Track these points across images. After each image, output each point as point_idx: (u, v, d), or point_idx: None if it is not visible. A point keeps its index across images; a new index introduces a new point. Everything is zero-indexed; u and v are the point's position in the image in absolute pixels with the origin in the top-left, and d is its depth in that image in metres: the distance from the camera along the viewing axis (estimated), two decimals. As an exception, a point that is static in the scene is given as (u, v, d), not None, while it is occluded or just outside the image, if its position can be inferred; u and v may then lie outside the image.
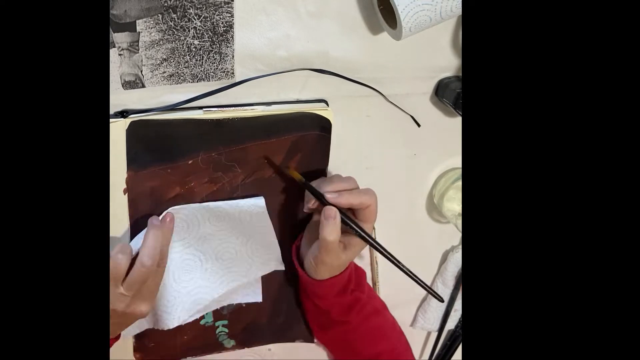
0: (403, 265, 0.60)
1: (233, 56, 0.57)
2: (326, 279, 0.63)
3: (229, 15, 0.55)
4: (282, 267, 0.66)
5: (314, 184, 0.60)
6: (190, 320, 0.64)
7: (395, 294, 0.78)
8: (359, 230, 0.59)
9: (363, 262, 0.75)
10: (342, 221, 0.58)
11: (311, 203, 0.59)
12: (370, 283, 0.76)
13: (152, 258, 0.55)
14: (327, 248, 0.59)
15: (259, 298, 0.68)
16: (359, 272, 0.68)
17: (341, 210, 0.58)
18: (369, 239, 0.60)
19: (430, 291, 0.61)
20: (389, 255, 0.60)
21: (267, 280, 0.69)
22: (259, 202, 0.62)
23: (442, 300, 0.62)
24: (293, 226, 0.66)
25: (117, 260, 0.54)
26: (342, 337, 0.69)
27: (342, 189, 0.59)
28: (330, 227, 0.57)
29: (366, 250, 0.74)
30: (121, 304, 0.55)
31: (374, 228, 0.72)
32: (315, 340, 0.74)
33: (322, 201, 0.58)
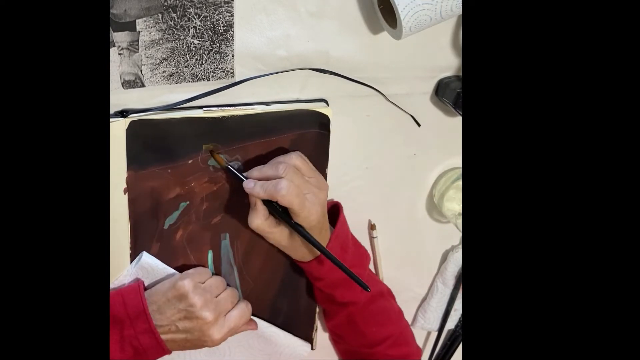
0: (324, 249, 0.61)
1: (233, 56, 0.57)
2: (313, 259, 0.63)
3: (229, 14, 0.55)
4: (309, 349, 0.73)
5: (252, 170, 0.60)
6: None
7: (395, 293, 0.78)
8: (284, 217, 0.59)
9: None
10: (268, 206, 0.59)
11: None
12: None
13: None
14: (260, 233, 0.61)
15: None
16: (358, 252, 0.68)
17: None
18: (295, 226, 0.59)
19: (356, 278, 0.60)
20: (311, 238, 0.60)
21: (267, 281, 0.69)
22: (304, 348, 0.71)
23: (367, 289, 0.61)
24: None
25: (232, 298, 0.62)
26: (349, 320, 0.68)
27: (262, 177, 0.59)
28: (251, 215, 0.60)
29: (367, 250, 0.74)
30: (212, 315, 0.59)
31: (374, 232, 0.72)
32: (314, 348, 0.74)
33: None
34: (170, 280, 0.60)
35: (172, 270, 0.62)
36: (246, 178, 0.59)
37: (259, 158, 0.62)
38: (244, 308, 0.63)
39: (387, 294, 0.71)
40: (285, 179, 0.57)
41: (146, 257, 0.61)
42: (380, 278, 0.76)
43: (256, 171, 0.59)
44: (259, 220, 0.59)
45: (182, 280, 0.59)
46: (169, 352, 0.60)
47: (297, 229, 0.59)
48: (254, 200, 0.59)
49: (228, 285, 0.65)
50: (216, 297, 0.61)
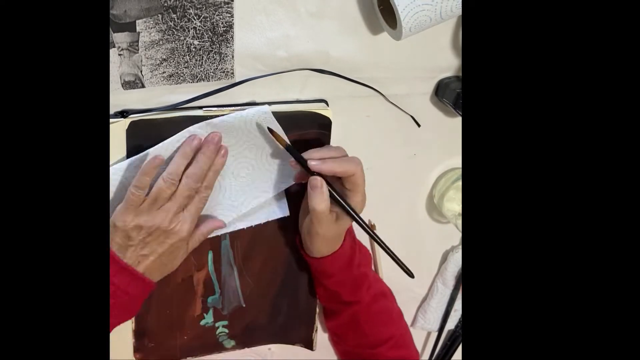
0: (382, 242, 0.60)
1: (233, 56, 0.57)
2: (328, 255, 0.62)
3: (229, 15, 0.55)
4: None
5: (305, 153, 0.58)
6: (213, 235, 0.62)
7: (395, 294, 0.78)
8: (342, 202, 0.58)
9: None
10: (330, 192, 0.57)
11: (294, 166, 0.58)
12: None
13: (199, 180, 0.55)
14: (318, 218, 0.58)
15: (286, 212, 0.65)
16: (363, 251, 0.68)
17: (328, 181, 0.57)
18: (352, 212, 0.58)
19: (400, 264, 0.61)
20: (370, 231, 0.59)
21: (267, 281, 0.69)
22: (263, 108, 0.57)
23: (412, 276, 0.61)
24: (296, 220, 0.66)
25: (193, 184, 0.55)
26: (352, 320, 0.68)
27: (326, 157, 0.57)
28: (318, 196, 0.56)
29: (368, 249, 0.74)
30: (165, 219, 0.54)
31: (373, 225, 0.72)
32: (314, 349, 0.74)
33: (306, 168, 0.57)
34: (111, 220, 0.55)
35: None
36: (306, 159, 0.57)
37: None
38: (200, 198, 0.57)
39: (389, 295, 0.71)
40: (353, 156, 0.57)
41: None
42: (380, 277, 0.76)
43: (315, 152, 0.57)
44: (326, 203, 0.57)
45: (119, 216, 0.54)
46: (152, 283, 0.57)
47: (353, 213, 0.58)
48: (318, 182, 0.56)
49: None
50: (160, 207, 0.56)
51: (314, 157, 0.57)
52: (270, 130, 0.58)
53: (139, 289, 0.56)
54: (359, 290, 0.65)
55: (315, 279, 0.68)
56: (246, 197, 0.62)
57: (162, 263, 0.57)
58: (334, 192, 0.58)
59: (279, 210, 0.65)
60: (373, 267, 0.75)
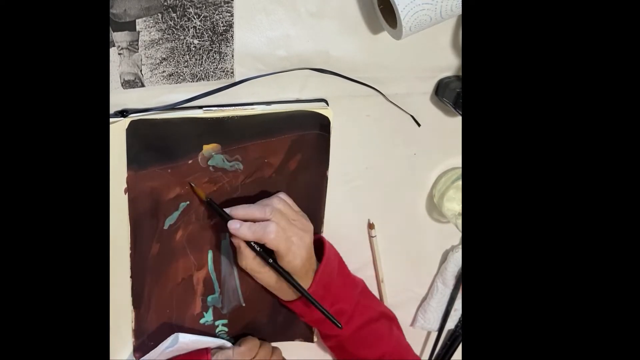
0: (305, 292, 0.61)
1: (233, 56, 0.57)
2: (290, 302, 0.64)
3: (229, 14, 0.55)
4: None
5: (236, 208, 0.59)
6: None
7: (396, 293, 0.78)
8: (266, 260, 0.60)
9: (365, 261, 0.75)
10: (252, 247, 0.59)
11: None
12: (375, 282, 0.76)
13: None
14: (249, 272, 0.61)
15: None
16: (347, 282, 0.67)
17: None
18: (274, 265, 0.60)
19: (329, 316, 0.62)
20: (293, 282, 0.61)
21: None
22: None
23: (340, 327, 0.62)
24: None
25: None
26: (339, 346, 0.69)
27: (248, 217, 0.59)
28: (239, 256, 0.60)
29: (368, 249, 0.74)
30: None
31: (373, 231, 0.72)
32: (315, 340, 0.74)
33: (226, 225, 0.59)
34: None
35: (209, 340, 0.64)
36: (229, 217, 0.59)
37: (258, 158, 0.62)
38: None
39: (377, 317, 0.70)
40: (273, 221, 0.58)
41: (182, 338, 0.63)
42: (380, 278, 0.76)
43: (241, 210, 0.59)
44: (247, 260, 0.60)
45: None
46: None
47: (280, 272, 0.60)
48: (237, 242, 0.59)
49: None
50: None
51: (238, 215, 0.59)
52: (189, 183, 0.60)
53: None
54: (335, 326, 0.65)
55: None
56: None
57: None
58: (258, 251, 0.59)
59: None
60: (372, 267, 0.75)
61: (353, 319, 0.66)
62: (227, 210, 0.60)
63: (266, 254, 0.60)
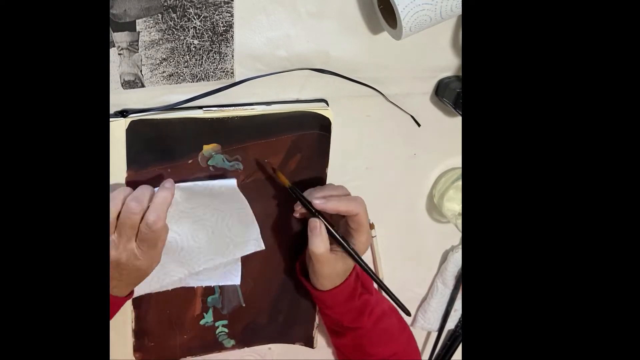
0: (379, 279, 0.61)
1: (233, 56, 0.57)
2: (331, 289, 0.63)
3: (229, 14, 0.55)
4: (261, 247, 0.64)
5: (307, 192, 0.59)
6: (162, 289, 0.63)
7: (396, 293, 0.78)
8: (342, 243, 0.59)
9: (365, 261, 0.74)
10: (330, 232, 0.58)
11: (297, 210, 0.60)
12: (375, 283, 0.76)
13: (162, 220, 0.53)
14: (319, 260, 0.59)
15: (237, 280, 0.66)
16: (365, 275, 0.68)
17: (328, 221, 0.58)
18: (351, 252, 0.59)
19: (399, 304, 0.61)
20: (368, 270, 0.60)
21: (267, 281, 0.69)
22: (230, 182, 0.58)
23: (409, 314, 0.62)
24: (295, 226, 0.66)
25: (131, 209, 0.52)
26: (356, 342, 0.68)
27: (329, 195, 0.58)
28: (316, 239, 0.57)
29: (368, 249, 0.74)
30: (131, 258, 0.54)
31: (373, 231, 0.72)
32: (315, 346, 0.74)
33: (309, 208, 0.58)
34: None
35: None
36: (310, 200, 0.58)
37: (259, 158, 0.62)
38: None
39: (389, 311, 0.70)
40: (357, 196, 0.57)
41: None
42: (380, 278, 0.76)
43: (319, 192, 0.58)
44: (326, 245, 0.58)
45: None
46: (119, 298, 0.58)
47: (354, 254, 0.59)
48: (317, 224, 0.58)
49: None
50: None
51: (317, 196, 0.57)
52: (274, 169, 0.60)
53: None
54: (360, 318, 0.66)
55: (317, 304, 0.69)
56: (200, 257, 0.63)
57: (129, 283, 0.57)
58: (335, 233, 0.58)
59: (231, 277, 0.66)
60: (372, 267, 0.75)
61: (374, 311, 0.66)
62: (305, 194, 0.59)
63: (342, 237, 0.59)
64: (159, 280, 0.62)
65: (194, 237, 0.61)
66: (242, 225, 0.62)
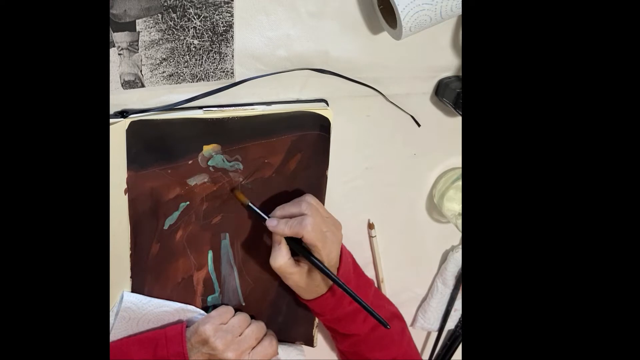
0: (352, 292, 0.61)
1: (233, 56, 0.57)
2: (313, 299, 0.64)
3: (229, 15, 0.55)
4: None
5: (277, 208, 0.61)
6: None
7: (396, 293, 0.78)
8: (307, 255, 0.60)
9: (365, 261, 0.75)
10: (293, 245, 0.60)
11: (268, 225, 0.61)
12: (375, 282, 0.76)
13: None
14: (280, 273, 0.61)
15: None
16: (361, 282, 0.68)
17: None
18: (318, 263, 0.60)
19: (376, 316, 0.61)
20: (335, 279, 0.61)
21: (267, 280, 0.69)
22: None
23: (387, 327, 0.62)
24: None
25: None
26: (354, 349, 0.69)
27: (284, 215, 0.60)
28: (274, 253, 0.60)
29: (368, 249, 0.74)
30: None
31: (372, 231, 0.72)
32: (315, 345, 0.74)
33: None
34: (194, 326, 0.62)
35: (159, 303, 0.63)
36: (268, 217, 0.61)
37: (258, 159, 0.62)
38: (268, 344, 0.64)
39: (389, 316, 0.70)
40: (309, 215, 0.58)
41: (127, 297, 0.62)
42: (380, 278, 0.76)
43: (279, 210, 0.61)
44: (283, 259, 0.60)
45: (204, 325, 0.61)
46: None
47: (320, 266, 0.60)
48: (278, 238, 0.60)
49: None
50: (240, 335, 0.62)
51: (276, 216, 0.60)
52: (232, 189, 0.61)
53: None
54: (353, 324, 0.66)
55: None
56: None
57: None
58: (296, 246, 0.60)
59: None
60: (372, 267, 0.75)
61: (369, 318, 0.66)
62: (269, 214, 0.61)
63: (306, 250, 0.60)
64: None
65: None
66: None
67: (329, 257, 0.60)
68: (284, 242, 0.60)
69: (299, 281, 0.62)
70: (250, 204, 0.62)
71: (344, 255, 0.64)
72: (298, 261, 0.61)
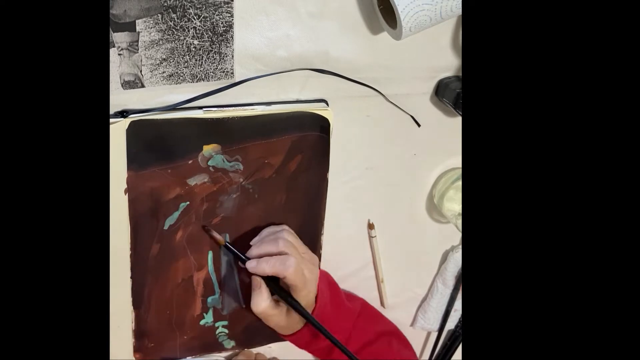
0: (325, 331, 0.60)
1: (233, 56, 0.57)
2: (291, 335, 0.64)
3: (229, 15, 0.55)
4: None
5: (253, 241, 0.60)
6: None
7: (396, 293, 0.78)
8: (284, 297, 0.59)
9: (365, 261, 0.75)
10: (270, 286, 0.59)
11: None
12: (375, 282, 0.76)
13: None
14: (261, 316, 0.61)
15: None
16: (340, 313, 0.67)
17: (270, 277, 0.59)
18: (294, 304, 0.59)
19: (347, 353, 0.60)
20: (311, 319, 0.60)
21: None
22: None
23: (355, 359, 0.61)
24: (295, 226, 0.66)
25: None
26: None
27: (263, 254, 0.59)
28: (256, 298, 0.59)
29: (368, 249, 0.74)
30: None
31: (372, 231, 0.72)
32: None
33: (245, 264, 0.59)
34: None
35: None
36: (246, 257, 0.59)
37: (259, 159, 0.62)
38: None
39: (373, 340, 0.70)
40: (291, 255, 0.57)
41: None
42: (380, 278, 0.76)
43: (254, 249, 0.60)
44: (265, 303, 0.59)
45: None
46: None
47: (296, 307, 0.59)
48: (257, 282, 0.59)
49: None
50: None
51: (252, 255, 0.59)
52: (206, 229, 0.61)
53: None
54: (334, 352, 0.65)
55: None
56: None
57: None
58: (275, 287, 0.59)
59: None
60: (372, 267, 0.75)
61: (349, 345, 0.65)
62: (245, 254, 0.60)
63: (285, 291, 0.60)
64: None
65: None
66: None
67: (307, 297, 0.59)
68: (263, 284, 0.59)
69: (279, 321, 0.61)
70: (227, 243, 0.61)
71: (320, 290, 0.63)
72: (277, 301, 0.61)
